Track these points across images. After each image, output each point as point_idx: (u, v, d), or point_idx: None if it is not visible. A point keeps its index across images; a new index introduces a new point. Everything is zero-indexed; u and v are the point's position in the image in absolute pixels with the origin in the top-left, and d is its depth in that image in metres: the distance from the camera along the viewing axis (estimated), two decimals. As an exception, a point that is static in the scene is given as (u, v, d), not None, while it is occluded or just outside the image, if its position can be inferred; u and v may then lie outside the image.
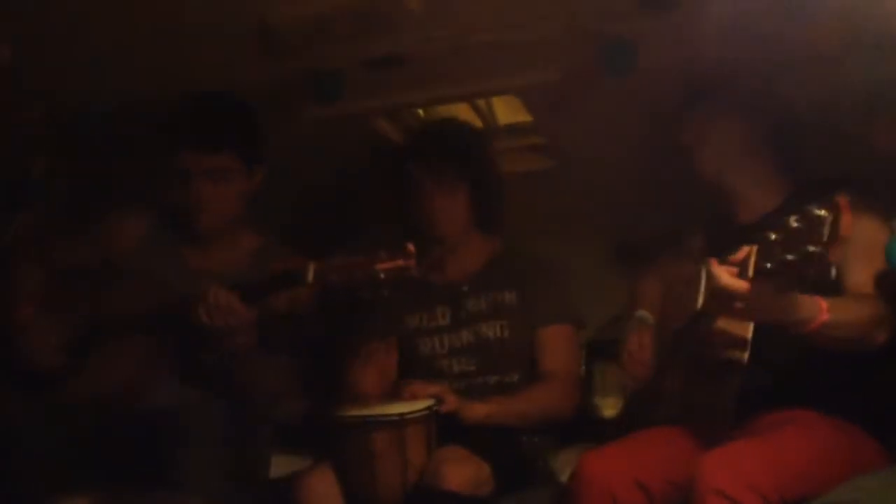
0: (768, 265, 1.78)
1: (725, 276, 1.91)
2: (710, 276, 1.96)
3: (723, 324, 2.17)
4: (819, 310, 1.98)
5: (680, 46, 2.37)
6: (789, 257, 1.72)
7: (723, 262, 1.95)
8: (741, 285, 1.88)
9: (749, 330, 2.16)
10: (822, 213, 1.70)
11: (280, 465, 2.73)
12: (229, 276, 2.45)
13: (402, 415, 2.43)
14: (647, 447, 2.30)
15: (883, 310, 2.15)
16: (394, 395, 2.68)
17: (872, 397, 2.28)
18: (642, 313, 2.56)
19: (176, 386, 2.54)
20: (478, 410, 2.57)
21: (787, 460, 2.06)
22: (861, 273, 2.21)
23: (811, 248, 1.69)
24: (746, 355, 2.17)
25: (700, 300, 2.11)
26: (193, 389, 2.52)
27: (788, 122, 2.45)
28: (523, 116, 3.00)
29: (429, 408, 2.48)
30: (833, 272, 1.73)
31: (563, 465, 2.64)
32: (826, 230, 1.69)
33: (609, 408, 2.95)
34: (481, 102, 2.99)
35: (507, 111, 3.05)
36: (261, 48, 2.52)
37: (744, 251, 1.88)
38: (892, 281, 2.18)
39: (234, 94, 2.58)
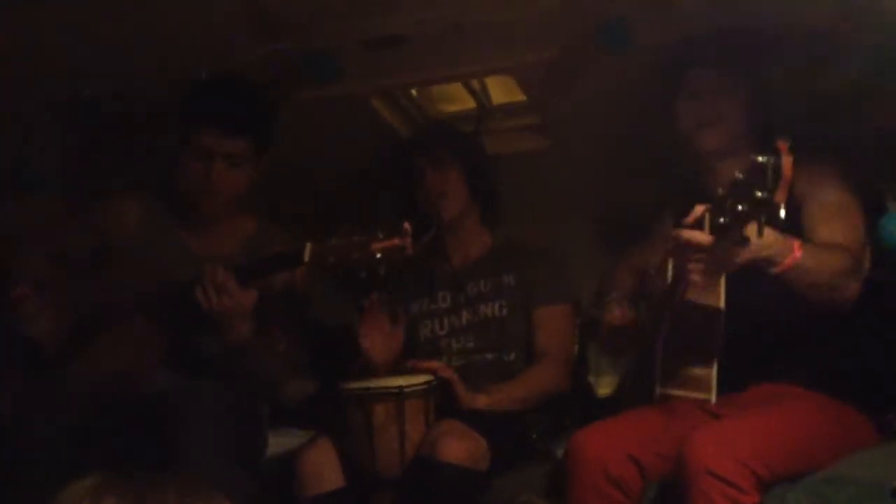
0: (721, 220, 1.82)
1: (687, 232, 1.95)
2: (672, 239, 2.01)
3: (694, 296, 2.20)
4: (791, 247, 2.01)
5: (675, 22, 2.37)
6: (739, 208, 1.76)
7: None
8: (704, 238, 1.93)
9: (721, 299, 2.19)
10: (763, 158, 1.74)
11: (280, 442, 2.74)
12: (228, 259, 2.45)
13: (401, 388, 2.46)
14: (639, 422, 2.32)
15: (852, 261, 2.19)
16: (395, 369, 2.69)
17: (863, 374, 2.30)
18: (618, 293, 2.58)
19: (175, 369, 2.54)
20: (479, 401, 2.59)
21: (776, 437, 2.08)
22: (828, 230, 2.23)
23: (758, 194, 1.73)
24: (722, 325, 2.20)
25: (670, 274, 2.14)
26: (192, 373, 2.52)
27: (774, 97, 2.44)
28: (518, 96, 3.01)
29: (428, 382, 2.51)
30: (782, 213, 1.76)
31: (560, 441, 2.66)
32: (769, 174, 1.73)
33: (604, 387, 2.97)
34: (475, 82, 2.99)
35: (502, 91, 3.05)
36: (255, 28, 2.51)
37: (697, 210, 1.92)
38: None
39: (254, 80, 2.59)
